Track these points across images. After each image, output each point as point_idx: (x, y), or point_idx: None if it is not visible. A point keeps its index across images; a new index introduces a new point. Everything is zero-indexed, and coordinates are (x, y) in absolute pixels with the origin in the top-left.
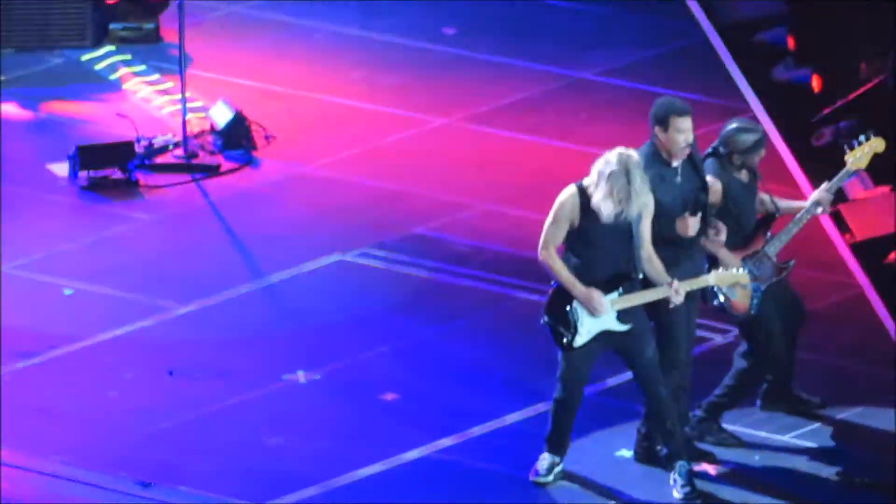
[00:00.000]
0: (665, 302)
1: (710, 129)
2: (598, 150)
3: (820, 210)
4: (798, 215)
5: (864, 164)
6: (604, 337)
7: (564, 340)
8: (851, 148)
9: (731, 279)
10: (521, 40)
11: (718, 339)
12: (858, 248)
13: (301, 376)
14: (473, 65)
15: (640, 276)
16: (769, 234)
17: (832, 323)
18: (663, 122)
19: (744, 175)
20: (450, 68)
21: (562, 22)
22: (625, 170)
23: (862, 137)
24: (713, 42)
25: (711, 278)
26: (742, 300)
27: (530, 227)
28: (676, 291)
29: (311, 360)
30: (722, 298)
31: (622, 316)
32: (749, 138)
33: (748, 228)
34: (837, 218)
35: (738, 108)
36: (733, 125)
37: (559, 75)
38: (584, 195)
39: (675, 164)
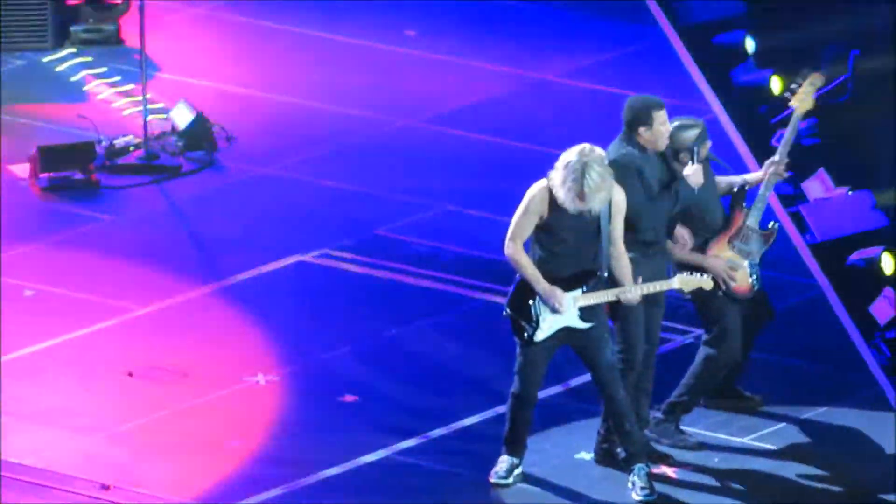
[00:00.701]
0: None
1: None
2: (559, 151)
3: (783, 167)
4: (766, 179)
5: (809, 103)
6: (564, 333)
7: (525, 334)
8: (794, 93)
9: (696, 283)
10: (482, 42)
11: (679, 339)
12: (818, 249)
13: (261, 378)
14: (435, 66)
15: (605, 274)
16: (745, 206)
17: (792, 324)
18: (646, 119)
19: None
20: (412, 70)
21: (523, 23)
22: (582, 162)
23: (799, 79)
24: (673, 44)
25: (675, 282)
26: (742, 281)
27: (492, 229)
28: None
29: (271, 362)
30: (723, 287)
31: (584, 314)
32: (692, 133)
33: (714, 223)
34: (797, 218)
35: (699, 110)
36: (674, 124)
37: (520, 77)
38: (553, 189)
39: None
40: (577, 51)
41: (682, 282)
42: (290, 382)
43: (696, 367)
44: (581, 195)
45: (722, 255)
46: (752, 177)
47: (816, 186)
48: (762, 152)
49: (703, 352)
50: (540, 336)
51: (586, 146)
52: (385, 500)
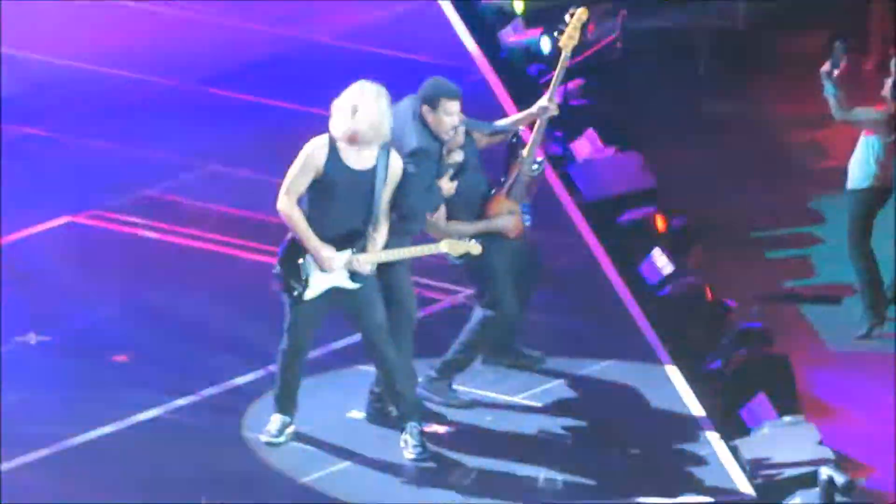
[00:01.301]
0: (391, 263)
1: None
2: (327, 111)
3: (551, 111)
4: (537, 123)
5: (576, 39)
6: (333, 294)
7: (294, 292)
8: (562, 32)
9: (463, 248)
10: (253, 3)
11: (447, 300)
12: (588, 209)
13: (32, 338)
14: (206, 27)
15: (374, 235)
16: (521, 155)
17: (564, 284)
18: (431, 102)
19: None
20: (182, 30)
21: None
22: (360, 86)
23: (567, 17)
24: (441, 4)
25: (443, 245)
26: (519, 225)
27: (258, 188)
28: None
29: (42, 322)
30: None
31: (353, 274)
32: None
33: (477, 202)
34: (566, 179)
35: (467, 70)
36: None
37: (289, 38)
38: (333, 146)
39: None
40: (345, 11)
41: (449, 245)
42: (61, 342)
43: (472, 326)
44: (354, 112)
45: (505, 209)
46: (510, 123)
47: (585, 146)
48: None
49: (478, 312)
50: (309, 294)
51: (365, 82)
52: (157, 458)
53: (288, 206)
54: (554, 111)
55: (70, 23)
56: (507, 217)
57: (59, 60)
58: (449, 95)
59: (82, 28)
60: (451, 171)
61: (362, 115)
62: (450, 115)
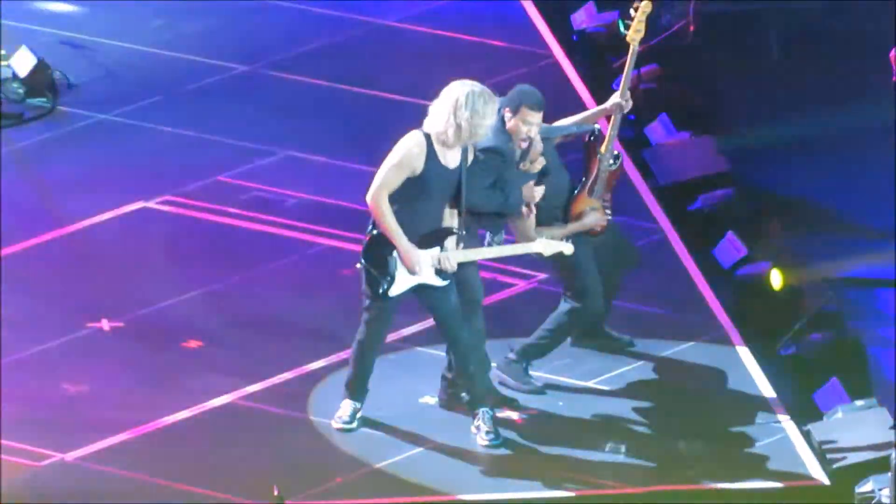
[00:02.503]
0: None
1: (512, 76)
2: (401, 97)
3: (624, 107)
4: (612, 120)
5: (642, 31)
6: (416, 287)
7: (380, 289)
8: (628, 28)
9: (557, 248)
10: None
11: (522, 283)
12: (661, 193)
13: (105, 324)
14: (276, 11)
15: (464, 232)
16: (599, 154)
17: (638, 267)
18: (514, 107)
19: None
20: (252, 15)
21: None
22: (470, 92)
23: (632, 11)
24: None
25: (537, 245)
26: (600, 221)
27: (333, 174)
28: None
29: (115, 308)
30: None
31: (440, 271)
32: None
33: (559, 197)
34: (641, 163)
35: (540, 55)
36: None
37: (360, 22)
38: (430, 145)
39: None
40: None
41: (543, 245)
42: (134, 328)
43: (556, 316)
44: (458, 112)
45: (587, 207)
46: (580, 118)
47: (659, 131)
48: (603, 96)
49: (566, 304)
50: (395, 291)
51: (468, 81)
52: (230, 444)
53: (379, 201)
54: (627, 107)
55: (144, 8)
56: (592, 214)
57: (133, 46)
58: (531, 106)
59: (156, 12)
60: (534, 179)
61: (469, 117)
62: (528, 125)
